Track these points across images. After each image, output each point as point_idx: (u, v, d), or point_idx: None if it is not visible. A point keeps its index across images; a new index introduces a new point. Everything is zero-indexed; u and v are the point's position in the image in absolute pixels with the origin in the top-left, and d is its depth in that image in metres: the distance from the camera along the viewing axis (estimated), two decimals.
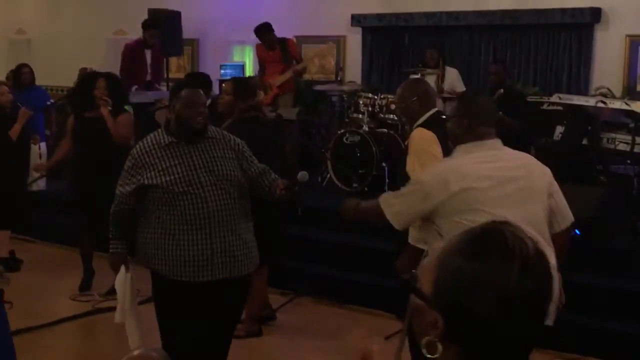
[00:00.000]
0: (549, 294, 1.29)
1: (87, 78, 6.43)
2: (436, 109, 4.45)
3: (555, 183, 3.42)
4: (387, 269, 6.11)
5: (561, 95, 7.13)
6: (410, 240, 3.94)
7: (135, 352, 1.76)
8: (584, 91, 8.38)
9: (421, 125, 4.26)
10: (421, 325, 1.32)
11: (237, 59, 10.77)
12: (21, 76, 9.63)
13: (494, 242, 1.27)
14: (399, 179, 4.28)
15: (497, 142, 3.41)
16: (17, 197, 7.22)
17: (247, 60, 10.64)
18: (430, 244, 3.39)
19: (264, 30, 8.71)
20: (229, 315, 4.03)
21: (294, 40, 9.24)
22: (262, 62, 9.02)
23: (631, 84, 8.32)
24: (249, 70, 10.46)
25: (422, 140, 4.16)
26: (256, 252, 3.99)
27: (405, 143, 4.45)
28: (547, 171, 3.42)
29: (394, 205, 3.38)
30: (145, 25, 9.21)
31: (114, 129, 6.22)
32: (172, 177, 3.72)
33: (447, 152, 4.11)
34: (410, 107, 4.35)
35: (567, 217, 3.47)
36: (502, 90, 7.32)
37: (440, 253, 1.31)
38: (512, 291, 1.23)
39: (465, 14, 8.97)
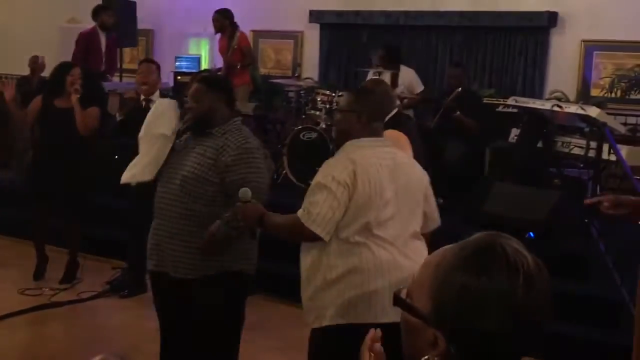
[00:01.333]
0: (550, 305, 1.28)
1: (64, 66, 6.37)
2: (396, 109, 4.40)
3: (430, 188, 3.42)
4: None
5: (517, 98, 7.20)
6: None
7: (97, 358, 1.70)
8: (538, 94, 8.49)
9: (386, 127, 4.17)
10: (416, 344, 1.29)
11: (193, 51, 10.64)
12: None
13: (496, 256, 1.24)
14: None
15: (386, 140, 3.37)
16: None
17: (203, 53, 10.52)
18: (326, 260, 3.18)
19: (217, 11, 8.75)
20: (177, 315, 3.88)
21: (245, 33, 9.10)
22: (220, 54, 8.96)
23: (585, 89, 8.44)
24: (205, 63, 10.34)
25: (395, 141, 3.92)
26: (200, 261, 3.71)
27: None
28: (425, 176, 3.41)
29: (317, 218, 3.10)
30: (100, 8, 9.01)
31: (80, 119, 6.13)
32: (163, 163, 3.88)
33: (416, 151, 4.08)
34: None
35: (435, 220, 3.47)
36: (460, 89, 7.35)
37: (436, 269, 1.28)
38: (520, 306, 1.22)
39: (423, 14, 9.01)
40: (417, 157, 3.98)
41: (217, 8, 8.87)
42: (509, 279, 1.22)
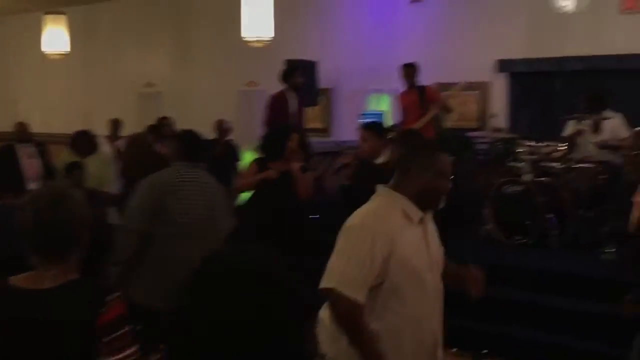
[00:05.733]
0: None
1: (281, 130, 6.38)
2: None
3: None
4: (584, 330, 5.66)
5: None
6: None
7: None
8: None
9: None
10: None
11: (372, 108, 10.54)
12: (162, 128, 9.67)
13: None
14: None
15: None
16: None
17: (386, 109, 10.41)
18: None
19: (409, 65, 8.64)
20: None
21: (434, 86, 8.92)
22: (404, 109, 8.78)
23: None
24: (388, 119, 10.20)
25: None
26: None
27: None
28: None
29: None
30: (292, 69, 9.05)
31: (301, 186, 6.03)
32: None
33: None
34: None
35: None
36: None
37: None
38: None
39: (622, 57, 8.49)
40: None
41: (396, 63, 8.72)
42: None
